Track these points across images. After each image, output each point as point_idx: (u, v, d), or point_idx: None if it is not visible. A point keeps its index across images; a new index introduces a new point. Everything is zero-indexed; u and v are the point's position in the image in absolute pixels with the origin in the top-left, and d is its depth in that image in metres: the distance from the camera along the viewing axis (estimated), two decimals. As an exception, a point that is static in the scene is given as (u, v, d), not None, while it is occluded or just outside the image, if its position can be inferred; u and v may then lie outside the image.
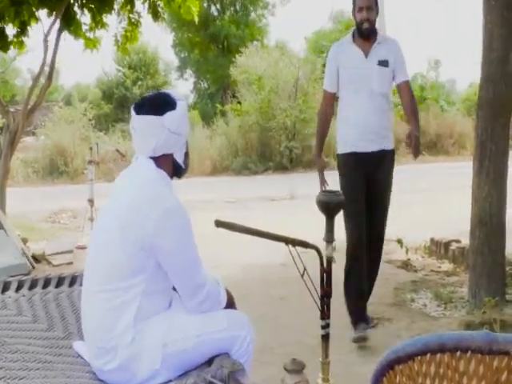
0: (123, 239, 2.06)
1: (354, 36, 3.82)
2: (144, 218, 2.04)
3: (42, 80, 6.81)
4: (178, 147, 2.20)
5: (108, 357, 2.08)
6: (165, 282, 2.16)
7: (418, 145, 3.66)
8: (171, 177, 2.25)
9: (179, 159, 2.22)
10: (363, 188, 3.77)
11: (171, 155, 2.19)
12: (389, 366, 1.52)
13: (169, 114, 2.08)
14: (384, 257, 5.96)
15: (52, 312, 2.65)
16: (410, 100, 3.82)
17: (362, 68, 3.75)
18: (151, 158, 2.15)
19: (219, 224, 2.63)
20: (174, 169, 2.24)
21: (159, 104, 2.12)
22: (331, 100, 3.96)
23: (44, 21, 6.30)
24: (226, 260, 5.61)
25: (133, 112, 2.12)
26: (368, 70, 3.72)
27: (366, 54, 3.74)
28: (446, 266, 5.37)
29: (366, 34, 3.73)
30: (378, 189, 3.83)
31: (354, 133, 3.76)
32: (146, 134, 2.12)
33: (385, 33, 4.09)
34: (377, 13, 3.78)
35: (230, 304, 2.33)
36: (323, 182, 3.92)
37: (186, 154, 2.26)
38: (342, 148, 3.86)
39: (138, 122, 2.12)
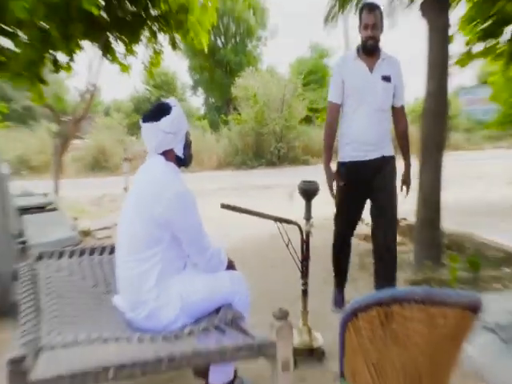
0: (142, 218, 2.07)
1: (358, 52, 3.16)
2: (159, 200, 2.04)
3: (87, 96, 6.79)
4: (176, 142, 2.19)
5: (139, 310, 2.10)
6: (179, 249, 2.17)
7: (409, 185, 3.35)
8: (179, 167, 2.25)
9: (179, 152, 2.21)
10: (357, 195, 3.23)
11: (172, 150, 2.19)
12: (353, 314, 1.55)
13: (164, 119, 2.10)
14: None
15: (97, 273, 2.70)
16: (405, 129, 3.28)
17: (366, 81, 3.08)
18: (160, 154, 2.18)
19: (224, 206, 2.65)
20: (178, 160, 2.24)
21: (156, 112, 2.14)
22: (337, 112, 3.21)
23: (88, 50, 6.30)
24: (230, 234, 5.64)
25: (140, 122, 2.16)
26: (372, 83, 3.06)
27: (371, 69, 3.08)
28: (397, 238, 5.36)
29: (370, 51, 3.07)
30: (379, 195, 3.19)
31: (352, 147, 3.14)
32: (148, 137, 2.16)
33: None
34: (381, 30, 3.09)
35: (231, 267, 2.35)
36: (332, 191, 3.22)
37: (186, 146, 2.24)
38: (341, 158, 3.23)
39: (143, 129, 2.16)
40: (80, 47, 6.00)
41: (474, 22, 7.28)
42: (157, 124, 2.10)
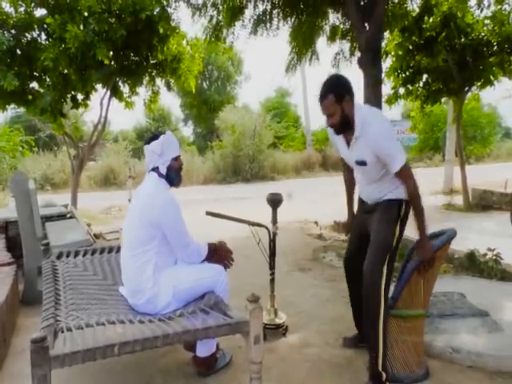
0: (141, 220, 2.06)
1: None
2: (152, 206, 2.04)
3: (99, 127, 6.71)
4: (161, 163, 2.17)
5: (139, 296, 2.07)
6: (170, 248, 2.13)
7: (429, 259, 2.09)
8: (170, 185, 2.20)
9: (162, 171, 2.18)
10: (359, 226, 2.38)
11: (158, 168, 2.18)
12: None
13: (152, 143, 2.16)
14: (306, 231, 6.03)
15: (106, 268, 2.63)
16: (409, 194, 2.07)
17: (347, 157, 2.23)
18: (154, 171, 2.18)
19: (208, 213, 2.63)
20: (166, 178, 2.19)
21: (150, 138, 2.20)
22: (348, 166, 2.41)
23: (100, 90, 6.23)
24: (213, 235, 5.56)
25: (144, 144, 2.23)
26: (352, 161, 2.20)
27: (348, 145, 2.16)
28: (343, 237, 5.42)
29: (339, 133, 2.17)
30: (371, 235, 2.17)
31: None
32: (145, 156, 2.21)
33: (360, 113, 2.01)
34: (346, 106, 2.04)
35: (225, 249, 2.39)
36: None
37: (170, 168, 2.19)
38: None
39: (144, 150, 2.20)
40: (94, 88, 5.97)
41: (398, 71, 7.52)
42: (147, 146, 2.18)
